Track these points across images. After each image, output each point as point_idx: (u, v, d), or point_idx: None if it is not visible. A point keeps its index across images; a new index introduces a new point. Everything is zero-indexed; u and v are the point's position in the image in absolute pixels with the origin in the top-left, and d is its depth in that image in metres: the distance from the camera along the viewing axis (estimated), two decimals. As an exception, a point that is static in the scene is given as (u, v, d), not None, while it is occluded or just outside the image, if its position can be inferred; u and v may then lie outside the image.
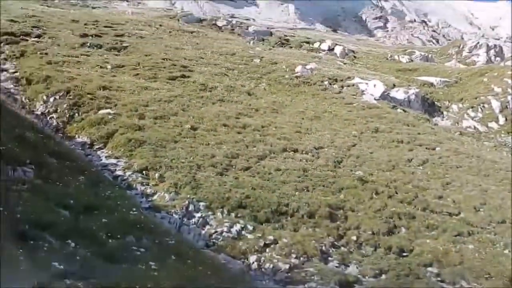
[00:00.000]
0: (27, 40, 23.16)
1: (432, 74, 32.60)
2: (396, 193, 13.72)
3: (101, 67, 20.91)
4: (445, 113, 26.50)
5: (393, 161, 16.08)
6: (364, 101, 23.41)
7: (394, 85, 26.59)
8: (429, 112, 25.71)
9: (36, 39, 23.72)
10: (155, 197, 11.45)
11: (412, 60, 39.65)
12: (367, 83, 25.57)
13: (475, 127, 24.84)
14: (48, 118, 15.56)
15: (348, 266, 10.41)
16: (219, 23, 40.73)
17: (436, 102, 27.39)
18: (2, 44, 22.02)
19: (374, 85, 25.24)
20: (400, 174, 15.06)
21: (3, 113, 10.10)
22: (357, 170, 14.79)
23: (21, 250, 4.63)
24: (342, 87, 25.22)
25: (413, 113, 23.78)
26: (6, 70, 19.23)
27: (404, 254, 11.11)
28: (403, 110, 23.72)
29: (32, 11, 30.20)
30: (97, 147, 13.94)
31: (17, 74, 18.75)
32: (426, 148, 18.18)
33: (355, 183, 13.82)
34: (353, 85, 25.47)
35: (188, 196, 11.45)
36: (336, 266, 10.31)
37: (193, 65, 23.99)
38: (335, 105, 22.24)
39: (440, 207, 13.26)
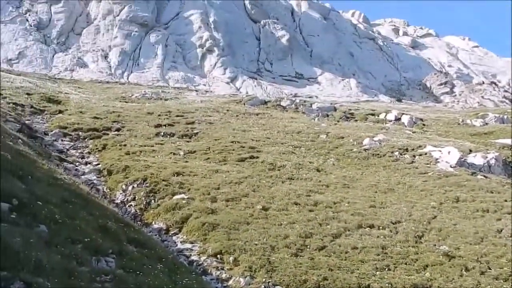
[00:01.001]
0: (108, 134, 25.18)
1: (510, 135, 30.82)
2: (489, 268, 12.50)
3: (174, 154, 21.99)
4: (532, 176, 24.52)
5: (480, 232, 14.86)
6: (440, 170, 22.36)
7: (471, 151, 25.33)
8: (513, 177, 23.93)
9: (116, 132, 25.72)
10: (230, 282, 11.27)
11: (486, 123, 37.97)
12: (440, 151, 24.60)
13: None
14: (127, 206, 16.31)
15: None
16: (283, 103, 41.95)
17: (519, 165, 25.55)
18: (86, 140, 24.07)
19: (449, 152, 24.21)
20: (490, 247, 13.80)
21: (88, 205, 10.74)
22: (441, 245, 13.79)
23: None
24: (414, 156, 24.41)
25: (496, 178, 22.24)
26: (90, 162, 20.80)
27: None
28: (484, 176, 22.29)
29: (112, 107, 33.05)
30: (172, 232, 14.23)
31: (99, 166, 20.18)
32: (516, 216, 16.70)
33: (441, 259, 12.83)
34: (426, 153, 24.59)
35: (264, 279, 11.16)
36: None
37: (261, 145, 24.56)
38: (408, 175, 21.43)
39: (544, 283, 11.83)
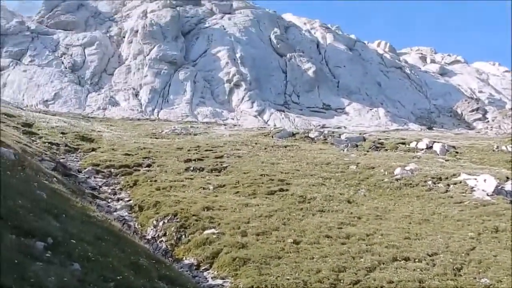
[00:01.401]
0: (139, 170, 25.61)
1: (550, 161, 29.68)
2: (536, 303, 11.83)
3: (204, 188, 22.10)
4: None
5: (523, 264, 14.14)
6: (476, 198, 21.61)
7: (508, 178, 24.45)
8: (556, 204, 22.85)
9: (147, 168, 26.14)
10: (263, 319, 11.03)
11: (522, 149, 36.73)
12: (476, 179, 23.84)
13: None
14: (158, 241, 16.36)
15: None
16: (311, 135, 41.88)
17: (562, 192, 24.42)
18: (118, 176, 24.53)
19: (485, 180, 23.42)
20: (536, 279, 13.09)
21: (120, 241, 10.84)
22: (482, 277, 13.16)
23: None
24: (449, 185, 23.73)
25: (537, 206, 21.30)
26: (121, 199, 21.12)
27: None
28: (524, 204, 21.40)
29: (143, 144, 33.75)
30: (203, 268, 14.13)
31: (130, 202, 20.45)
32: (562, 246, 15.85)
33: (483, 293, 12.23)
34: (460, 182, 23.87)
35: (297, 316, 10.88)
36: None
37: (290, 178, 24.42)
38: (443, 205, 20.80)
39: None
